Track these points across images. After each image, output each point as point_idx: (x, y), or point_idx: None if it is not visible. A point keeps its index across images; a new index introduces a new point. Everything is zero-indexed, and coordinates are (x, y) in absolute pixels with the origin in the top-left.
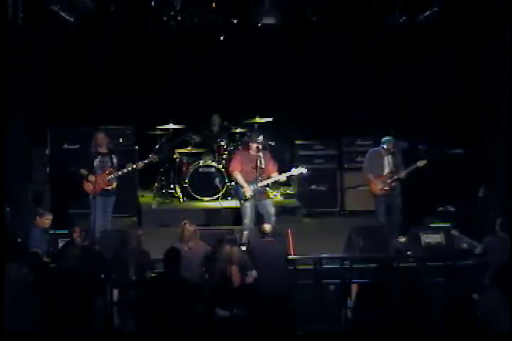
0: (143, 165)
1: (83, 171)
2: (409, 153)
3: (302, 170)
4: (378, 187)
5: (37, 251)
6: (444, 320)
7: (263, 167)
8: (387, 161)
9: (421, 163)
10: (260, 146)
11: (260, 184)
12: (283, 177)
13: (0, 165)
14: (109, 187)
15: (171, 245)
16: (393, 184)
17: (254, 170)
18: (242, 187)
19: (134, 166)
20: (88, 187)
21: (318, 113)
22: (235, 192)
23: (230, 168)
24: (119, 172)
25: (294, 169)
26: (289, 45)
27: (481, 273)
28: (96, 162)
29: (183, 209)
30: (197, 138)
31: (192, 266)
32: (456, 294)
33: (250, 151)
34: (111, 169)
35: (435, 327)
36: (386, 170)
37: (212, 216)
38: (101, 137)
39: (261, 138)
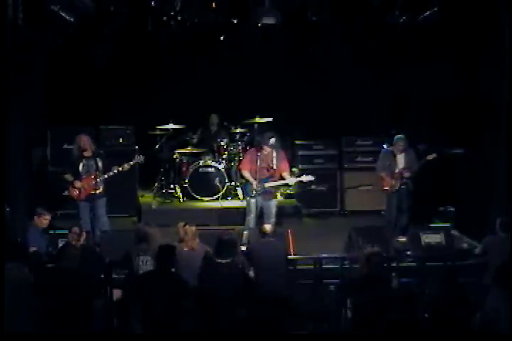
0: (128, 167)
1: (68, 176)
2: None
3: (311, 178)
4: (390, 184)
5: (37, 251)
6: (444, 319)
7: (275, 168)
8: (400, 160)
9: (430, 157)
10: (271, 149)
11: (269, 184)
12: (292, 181)
13: (0, 165)
14: (97, 192)
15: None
16: (405, 179)
17: (264, 170)
18: (251, 184)
19: (120, 169)
20: (74, 192)
21: (318, 113)
22: (244, 189)
23: (239, 166)
24: (105, 176)
25: (304, 176)
26: (289, 45)
27: (481, 273)
28: (80, 166)
29: (183, 209)
30: (196, 138)
31: (191, 266)
32: (455, 294)
33: (262, 151)
34: (96, 173)
35: (435, 327)
36: (398, 169)
37: (212, 216)
38: (84, 140)
39: (273, 140)
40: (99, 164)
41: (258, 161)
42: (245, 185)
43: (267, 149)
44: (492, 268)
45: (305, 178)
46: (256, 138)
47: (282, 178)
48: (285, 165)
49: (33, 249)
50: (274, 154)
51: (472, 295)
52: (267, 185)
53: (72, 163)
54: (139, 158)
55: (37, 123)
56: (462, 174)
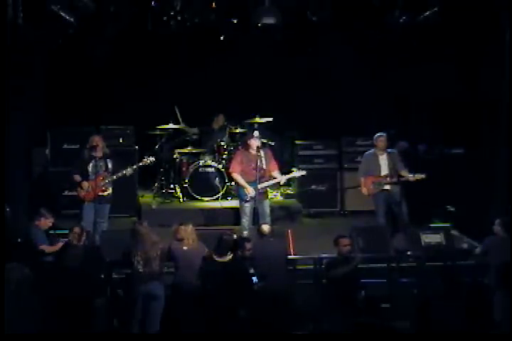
0: (136, 168)
1: (76, 177)
2: (409, 153)
3: (302, 172)
4: (369, 188)
5: (43, 250)
6: (444, 319)
7: (264, 168)
8: (384, 161)
9: (418, 177)
10: (260, 144)
11: (261, 185)
12: (283, 179)
13: (0, 165)
14: (105, 193)
15: (169, 244)
16: (388, 185)
17: (255, 170)
18: (244, 188)
19: (129, 170)
20: (82, 193)
21: (318, 113)
22: (236, 193)
23: (230, 169)
24: (114, 177)
25: (294, 172)
26: (289, 45)
27: (480, 273)
28: (90, 167)
29: (183, 209)
30: (195, 136)
31: (191, 265)
32: (455, 294)
33: (250, 150)
34: (105, 174)
35: (435, 327)
36: (384, 170)
37: (212, 216)
38: (96, 140)
39: (256, 133)
40: (109, 165)
41: (259, 161)
42: (237, 187)
43: (254, 147)
44: (493, 269)
45: (296, 173)
46: (241, 139)
47: (272, 177)
48: (274, 164)
49: (41, 246)
50: (262, 154)
51: (473, 296)
52: (259, 186)
53: (82, 163)
54: (148, 160)
55: (37, 124)
56: (462, 174)
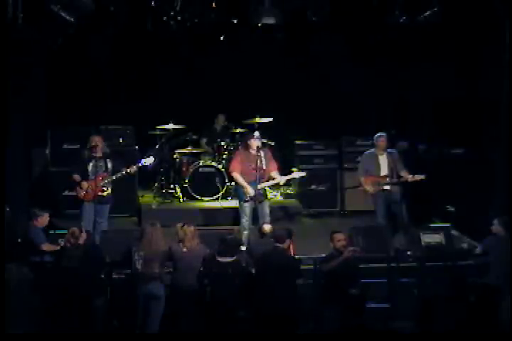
0: (136, 169)
1: (76, 177)
2: (409, 153)
3: (302, 173)
4: (369, 188)
5: (43, 249)
6: (444, 319)
7: (264, 168)
8: (384, 161)
9: (418, 177)
10: (260, 144)
11: (260, 186)
12: (283, 180)
13: (0, 165)
14: (104, 193)
15: (170, 245)
16: (387, 186)
17: (255, 170)
18: (243, 188)
19: (128, 170)
20: (81, 193)
21: (318, 113)
22: (235, 192)
23: (230, 168)
24: (114, 177)
25: (294, 173)
26: (289, 45)
27: (481, 273)
28: (90, 166)
29: (183, 209)
30: (194, 137)
31: (191, 267)
32: (455, 294)
33: (250, 151)
34: (105, 174)
35: (435, 327)
36: (383, 170)
37: (212, 216)
38: (96, 140)
39: (257, 133)
40: (109, 165)
41: (259, 161)
42: (236, 187)
43: (254, 147)
44: (494, 268)
45: (296, 175)
46: (242, 138)
47: (272, 178)
48: (273, 164)
49: (41, 245)
50: (262, 154)
51: (473, 296)
52: (259, 186)
53: (81, 163)
54: (148, 160)
55: (37, 123)
56: (462, 174)
